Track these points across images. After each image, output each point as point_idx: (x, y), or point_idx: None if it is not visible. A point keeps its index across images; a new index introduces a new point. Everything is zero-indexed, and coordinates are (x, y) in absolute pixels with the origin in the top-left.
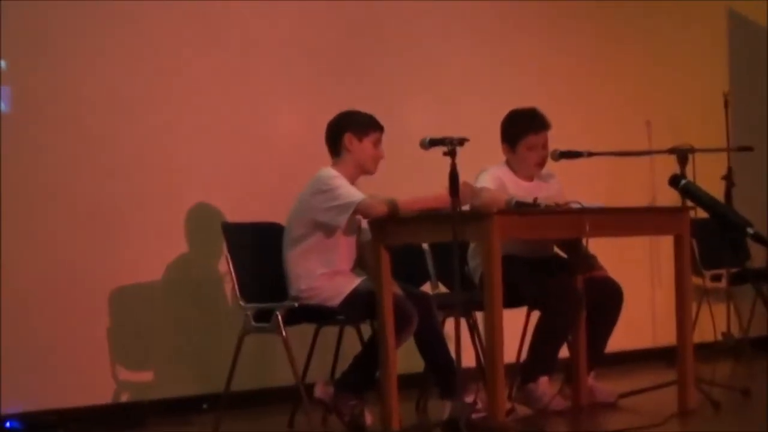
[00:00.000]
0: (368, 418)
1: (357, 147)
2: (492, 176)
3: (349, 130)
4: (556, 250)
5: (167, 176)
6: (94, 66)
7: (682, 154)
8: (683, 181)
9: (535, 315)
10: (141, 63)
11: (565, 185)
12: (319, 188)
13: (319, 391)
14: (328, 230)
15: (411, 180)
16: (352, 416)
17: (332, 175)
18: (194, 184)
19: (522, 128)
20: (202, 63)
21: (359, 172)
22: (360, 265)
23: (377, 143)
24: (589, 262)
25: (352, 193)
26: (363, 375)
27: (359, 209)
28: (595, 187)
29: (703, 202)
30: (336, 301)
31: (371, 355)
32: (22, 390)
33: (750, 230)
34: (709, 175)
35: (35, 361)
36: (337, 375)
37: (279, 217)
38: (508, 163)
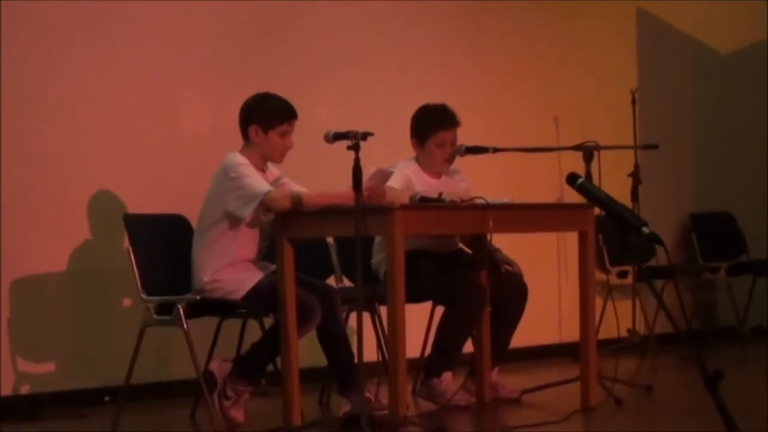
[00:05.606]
0: (240, 415)
1: (262, 139)
2: (400, 174)
3: (255, 122)
4: (462, 246)
5: (70, 166)
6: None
7: (588, 151)
8: (580, 180)
9: (440, 310)
10: (48, 56)
11: (473, 181)
12: (227, 175)
13: (214, 364)
14: (233, 221)
15: (317, 173)
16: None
17: (240, 162)
18: (97, 175)
19: (432, 124)
20: (109, 56)
21: (266, 160)
22: (269, 256)
23: (285, 134)
24: (496, 257)
25: (258, 184)
26: (260, 362)
27: (263, 202)
28: (504, 183)
29: (600, 201)
30: (239, 294)
31: (271, 343)
32: None
33: (645, 230)
34: (615, 172)
35: None
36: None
37: (182, 208)
38: (418, 159)
